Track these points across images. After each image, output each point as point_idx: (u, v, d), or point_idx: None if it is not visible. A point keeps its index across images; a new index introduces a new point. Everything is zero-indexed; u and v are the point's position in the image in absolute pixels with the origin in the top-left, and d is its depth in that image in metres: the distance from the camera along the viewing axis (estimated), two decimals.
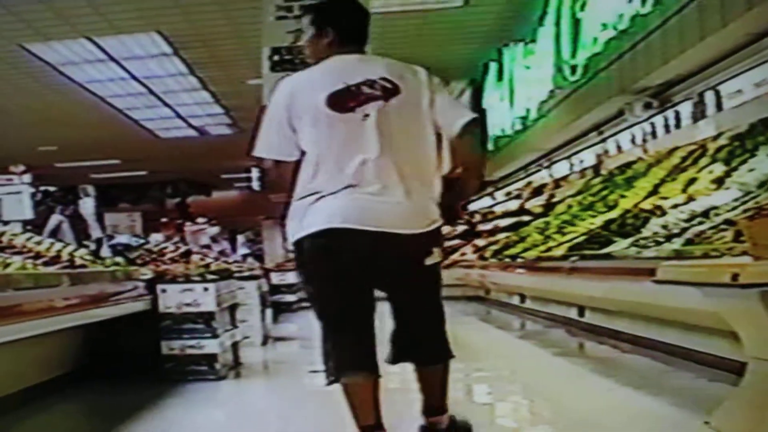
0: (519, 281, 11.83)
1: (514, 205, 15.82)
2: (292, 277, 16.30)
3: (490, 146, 15.92)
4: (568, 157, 13.25)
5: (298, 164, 3.87)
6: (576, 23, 10.11)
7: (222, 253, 15.25)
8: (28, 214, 9.48)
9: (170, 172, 29.56)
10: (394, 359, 4.08)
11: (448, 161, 4.01)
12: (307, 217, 3.80)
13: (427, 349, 4.02)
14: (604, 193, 9.91)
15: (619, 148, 10.96)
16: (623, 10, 8.61)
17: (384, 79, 3.87)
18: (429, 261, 3.92)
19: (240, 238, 20.33)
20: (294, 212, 3.88)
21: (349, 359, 3.83)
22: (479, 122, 3.97)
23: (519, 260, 11.24)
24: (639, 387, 6.01)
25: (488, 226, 17.12)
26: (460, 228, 19.61)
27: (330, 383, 3.87)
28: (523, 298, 12.58)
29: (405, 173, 3.81)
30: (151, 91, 17.14)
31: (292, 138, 3.87)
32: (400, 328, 4.05)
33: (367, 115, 3.81)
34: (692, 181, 7.71)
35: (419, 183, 3.87)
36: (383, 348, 4.03)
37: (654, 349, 7.20)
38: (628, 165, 9.95)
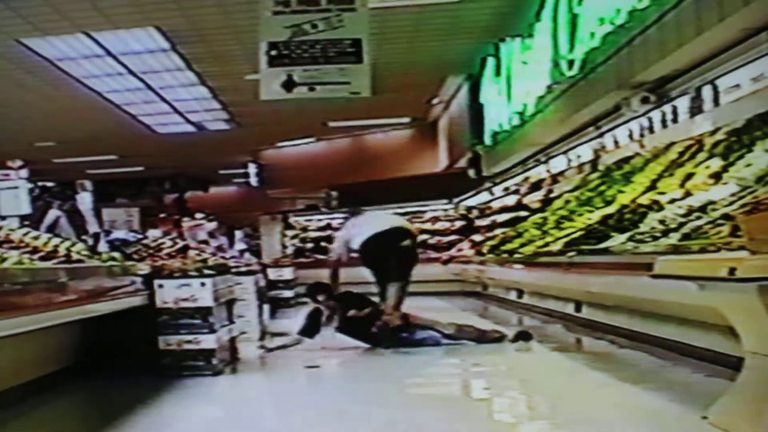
0: (516, 276, 11.83)
1: (511, 200, 15.81)
2: (288, 273, 16.30)
3: (487, 141, 15.98)
4: (566, 152, 13.25)
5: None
6: (573, 18, 10.11)
7: (219, 248, 15.20)
8: (26, 209, 9.49)
9: (168, 168, 29.57)
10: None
11: None
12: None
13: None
14: (602, 188, 9.89)
15: (616, 143, 10.96)
16: (620, 5, 8.60)
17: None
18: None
19: (238, 234, 20.28)
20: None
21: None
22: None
23: (516, 256, 11.24)
24: (636, 382, 6.01)
25: (486, 222, 17.13)
26: (458, 223, 19.68)
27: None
28: (520, 293, 12.58)
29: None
30: (148, 87, 17.12)
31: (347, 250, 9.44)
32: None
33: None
34: (689, 176, 7.70)
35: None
36: None
37: (651, 344, 7.21)
38: (626, 160, 9.94)
